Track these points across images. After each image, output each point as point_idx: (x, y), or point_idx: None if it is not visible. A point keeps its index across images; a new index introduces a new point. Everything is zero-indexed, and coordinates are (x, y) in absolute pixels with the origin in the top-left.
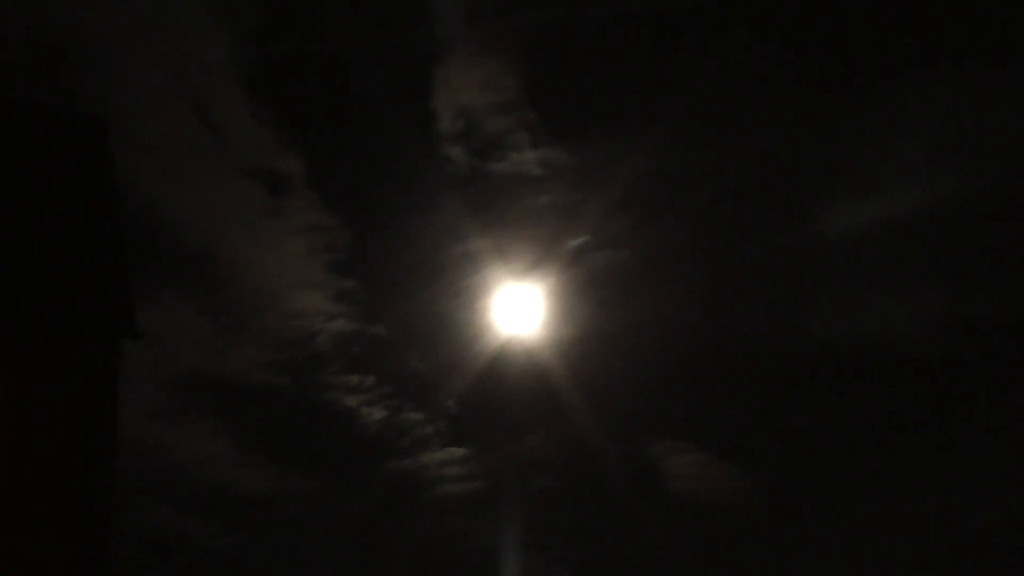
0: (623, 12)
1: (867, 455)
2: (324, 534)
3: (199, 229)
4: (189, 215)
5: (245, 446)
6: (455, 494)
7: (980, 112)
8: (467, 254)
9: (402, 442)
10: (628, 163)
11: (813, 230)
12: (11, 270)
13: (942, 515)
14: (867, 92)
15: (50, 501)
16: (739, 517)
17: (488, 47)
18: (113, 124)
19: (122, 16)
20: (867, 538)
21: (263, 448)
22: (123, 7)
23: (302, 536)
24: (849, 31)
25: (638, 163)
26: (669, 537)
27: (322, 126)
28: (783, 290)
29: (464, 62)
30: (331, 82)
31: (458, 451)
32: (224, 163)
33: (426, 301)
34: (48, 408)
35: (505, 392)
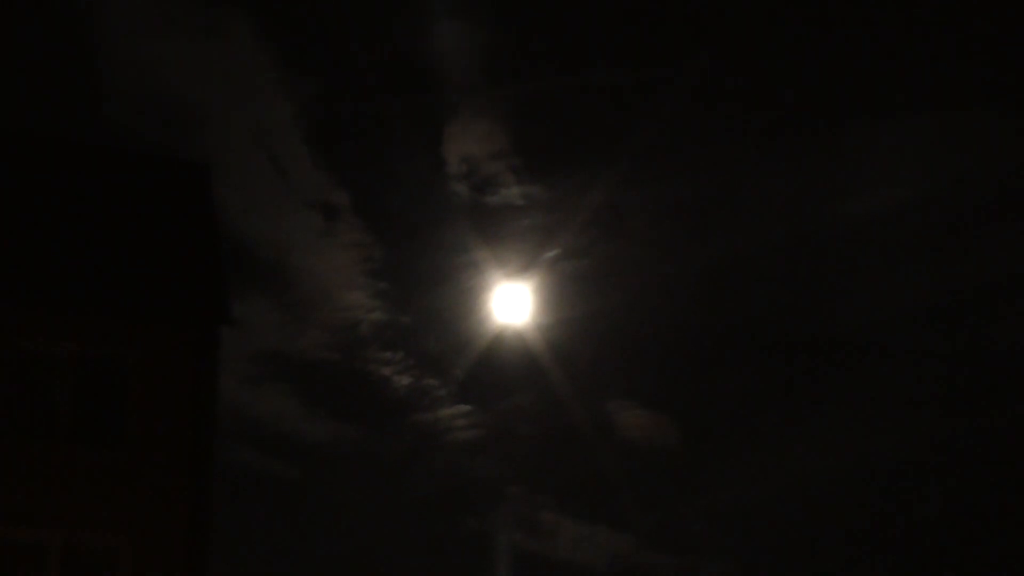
0: (586, 84)
1: (761, 411)
2: (366, 469)
3: (273, 246)
4: (266, 235)
5: (307, 404)
6: (462, 439)
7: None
8: (470, 262)
9: (423, 401)
10: (589, 196)
11: (742, 236)
12: (142, 276)
13: (814, 454)
14: (815, 134)
15: (170, 442)
16: (670, 455)
17: (484, 110)
18: (213, 168)
19: (217, 87)
20: (760, 471)
21: (321, 406)
22: (217, 80)
23: (349, 470)
24: (803, 75)
25: (596, 196)
26: (620, 470)
27: (363, 169)
28: (709, 288)
29: (466, 121)
30: (369, 135)
31: (464, 408)
32: (290, 197)
33: (440, 297)
34: (169, 374)
35: (500, 364)
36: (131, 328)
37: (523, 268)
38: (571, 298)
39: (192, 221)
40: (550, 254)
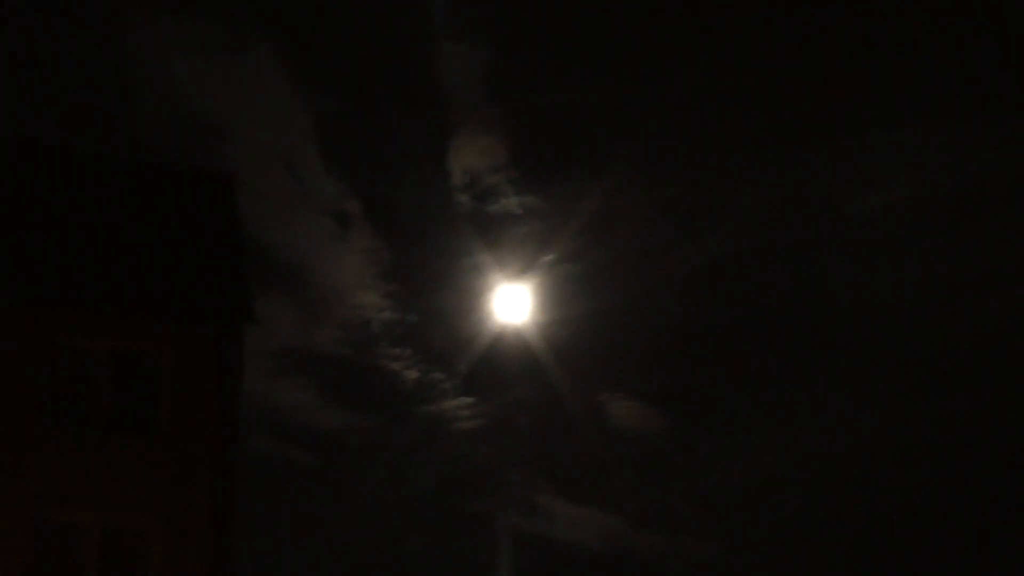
0: (578, 102)
1: (743, 401)
2: (377, 455)
3: (292, 249)
4: (285, 240)
5: (323, 396)
6: (465, 429)
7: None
8: (473, 265)
9: (429, 394)
10: (582, 204)
11: (724, 239)
12: (172, 278)
13: (792, 441)
14: (795, 146)
15: (198, 430)
16: (658, 443)
17: (485, 127)
18: (236, 179)
19: (239, 104)
20: (742, 457)
21: (335, 397)
22: (240, 98)
23: (362, 457)
24: (784, 92)
25: (589, 204)
26: (612, 456)
27: (374, 180)
28: (694, 288)
29: (469, 137)
30: (380, 149)
31: (467, 399)
32: (307, 205)
33: (445, 297)
34: (197, 368)
35: (500, 360)
36: (163, 326)
37: (522, 271)
38: (566, 298)
39: (217, 227)
40: (547, 258)
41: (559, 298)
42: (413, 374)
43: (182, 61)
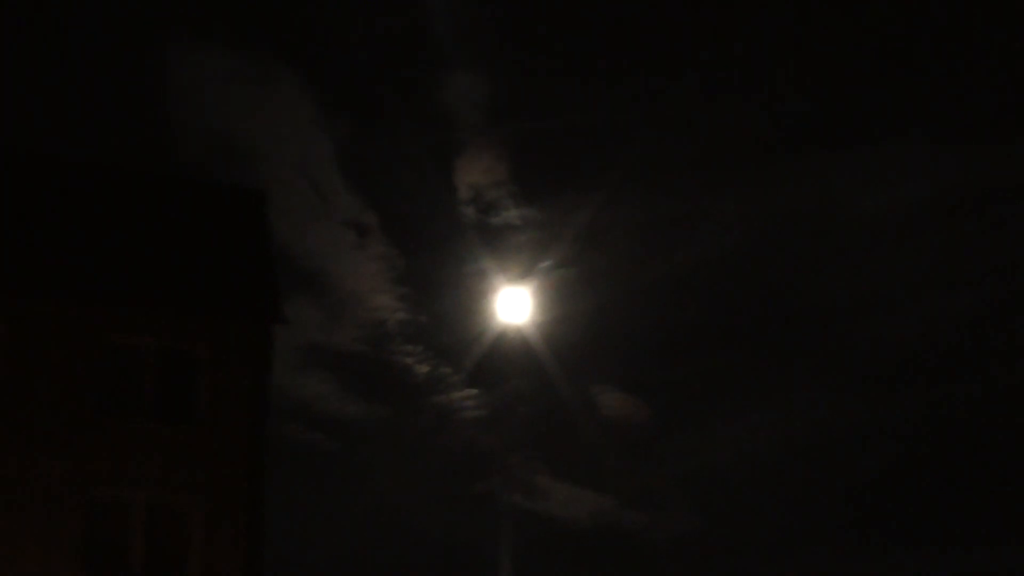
0: (572, 125)
1: (721, 393)
2: (391, 441)
3: (314, 257)
4: (309, 249)
5: (344, 388)
6: (471, 417)
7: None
8: (478, 271)
9: (438, 386)
10: (576, 216)
11: (703, 247)
12: (210, 283)
13: (766, 427)
14: (764, 163)
15: (233, 418)
16: (643, 430)
17: (488, 146)
18: (266, 195)
19: (268, 127)
20: (719, 442)
21: (355, 389)
22: (269, 122)
23: (378, 442)
24: (760, 113)
25: (581, 216)
26: (602, 442)
27: (389, 194)
28: (676, 290)
29: (473, 155)
30: (394, 167)
31: (473, 391)
32: (329, 217)
33: (453, 299)
34: (232, 363)
35: (502, 355)
36: (202, 325)
37: (522, 275)
38: (562, 300)
39: (249, 238)
40: (544, 264)
41: (556, 300)
42: (424, 368)
43: (218, 90)
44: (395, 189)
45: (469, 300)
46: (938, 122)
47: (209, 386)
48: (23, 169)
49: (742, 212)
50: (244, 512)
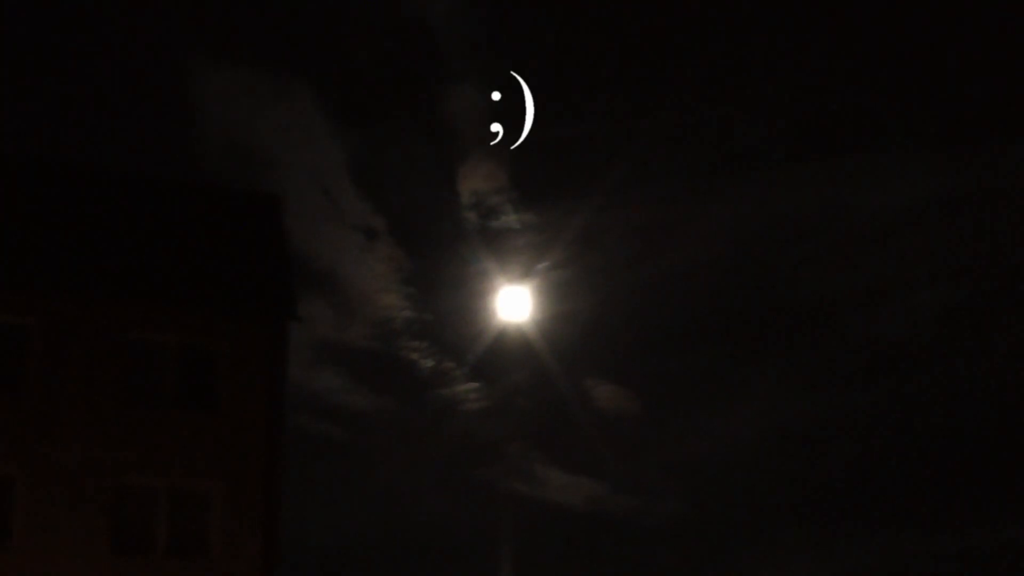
0: (568, 134)
1: (708, 386)
2: (398, 431)
3: (326, 259)
4: (320, 251)
5: (354, 381)
6: (473, 409)
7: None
8: (480, 272)
9: (443, 380)
10: (572, 220)
11: (690, 250)
12: (229, 283)
13: (750, 419)
14: (746, 173)
15: (251, 410)
16: (634, 420)
17: (489, 155)
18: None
19: (284, 137)
20: (706, 432)
21: (364, 383)
22: (285, 132)
23: (386, 433)
24: (747, 124)
25: (577, 221)
26: (596, 432)
27: (396, 200)
28: (665, 290)
29: (475, 164)
30: (401, 174)
31: (475, 384)
32: (339, 221)
33: (456, 299)
34: (250, 358)
35: (503, 351)
36: (221, 322)
37: (521, 276)
38: (559, 299)
39: (266, 241)
40: (542, 265)
41: (553, 299)
42: (429, 363)
43: (239, 104)
44: (402, 195)
45: (471, 299)
46: (921, 129)
47: (229, 380)
48: (58, 177)
49: (730, 216)
50: (262, 497)
